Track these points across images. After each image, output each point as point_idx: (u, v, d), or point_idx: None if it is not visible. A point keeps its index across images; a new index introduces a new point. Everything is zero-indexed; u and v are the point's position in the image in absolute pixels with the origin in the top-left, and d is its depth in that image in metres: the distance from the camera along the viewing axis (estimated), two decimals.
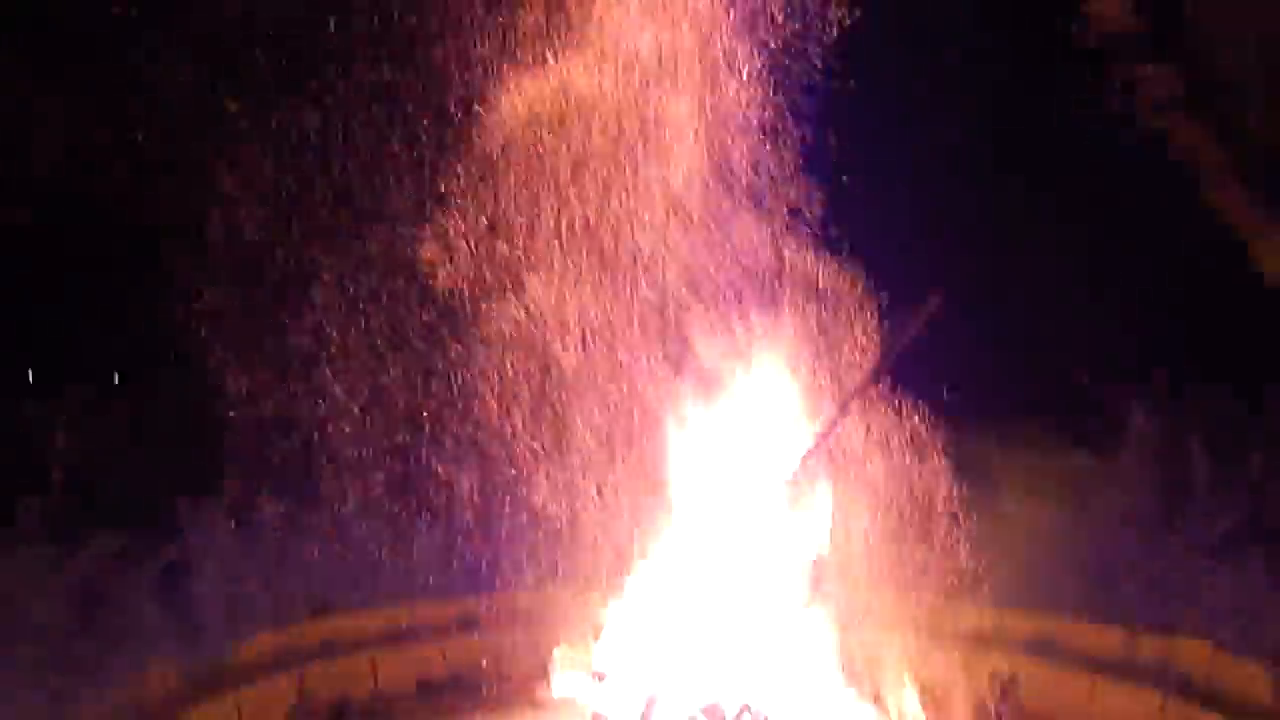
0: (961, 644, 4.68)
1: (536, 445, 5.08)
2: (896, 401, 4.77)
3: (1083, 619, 4.83)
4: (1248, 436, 5.91)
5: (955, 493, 4.79)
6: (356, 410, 5.85)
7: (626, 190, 4.71)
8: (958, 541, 4.77)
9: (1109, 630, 4.75)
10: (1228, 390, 6.07)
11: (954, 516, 4.81)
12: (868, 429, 4.69)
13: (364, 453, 5.87)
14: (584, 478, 4.77)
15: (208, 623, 4.74)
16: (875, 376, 4.51)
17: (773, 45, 4.72)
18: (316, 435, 5.87)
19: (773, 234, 4.71)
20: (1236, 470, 5.65)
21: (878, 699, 4.19)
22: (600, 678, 4.15)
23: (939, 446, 4.86)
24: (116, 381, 6.35)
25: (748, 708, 3.68)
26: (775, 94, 4.71)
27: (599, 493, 4.69)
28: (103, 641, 4.44)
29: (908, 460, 4.75)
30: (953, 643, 4.65)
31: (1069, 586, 4.84)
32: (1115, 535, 5.21)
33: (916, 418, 4.75)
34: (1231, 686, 4.24)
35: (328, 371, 5.80)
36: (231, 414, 5.95)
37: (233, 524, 5.46)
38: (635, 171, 4.71)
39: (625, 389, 4.77)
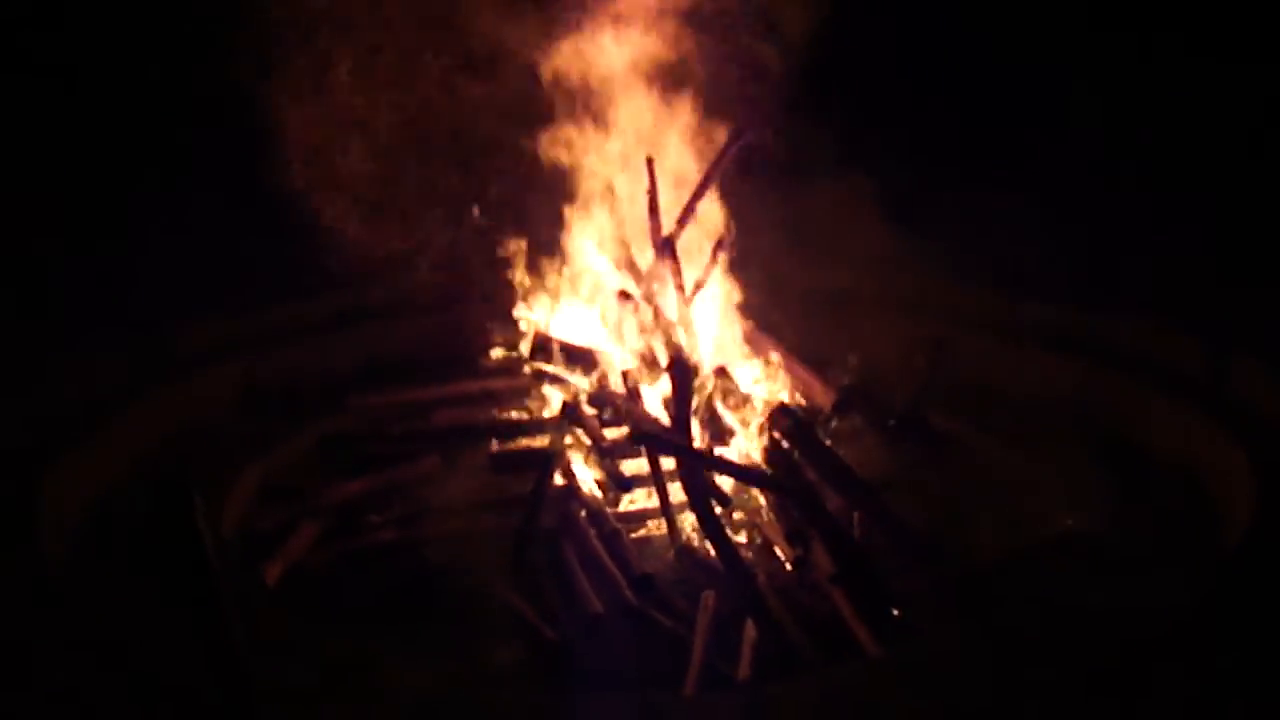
0: (897, 313, 4.77)
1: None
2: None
3: (1019, 293, 4.89)
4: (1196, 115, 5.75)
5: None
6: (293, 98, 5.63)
7: None
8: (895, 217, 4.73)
9: (1044, 305, 4.78)
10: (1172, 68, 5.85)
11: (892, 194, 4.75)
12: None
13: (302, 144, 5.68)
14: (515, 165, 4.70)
15: (153, 315, 4.75)
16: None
17: None
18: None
19: None
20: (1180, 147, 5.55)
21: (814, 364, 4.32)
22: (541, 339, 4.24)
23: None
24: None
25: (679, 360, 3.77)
26: None
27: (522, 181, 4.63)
28: (48, 337, 4.45)
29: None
30: (888, 311, 4.73)
31: (1008, 262, 4.86)
32: (1058, 213, 5.17)
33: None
34: (1161, 359, 4.34)
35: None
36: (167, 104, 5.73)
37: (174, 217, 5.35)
38: None
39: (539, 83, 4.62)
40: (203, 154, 5.75)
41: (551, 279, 4.43)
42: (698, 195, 4.36)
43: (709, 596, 3.22)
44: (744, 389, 3.95)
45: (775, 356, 4.27)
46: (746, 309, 4.39)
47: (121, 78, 5.74)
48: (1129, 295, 4.69)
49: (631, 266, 4.29)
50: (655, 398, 3.94)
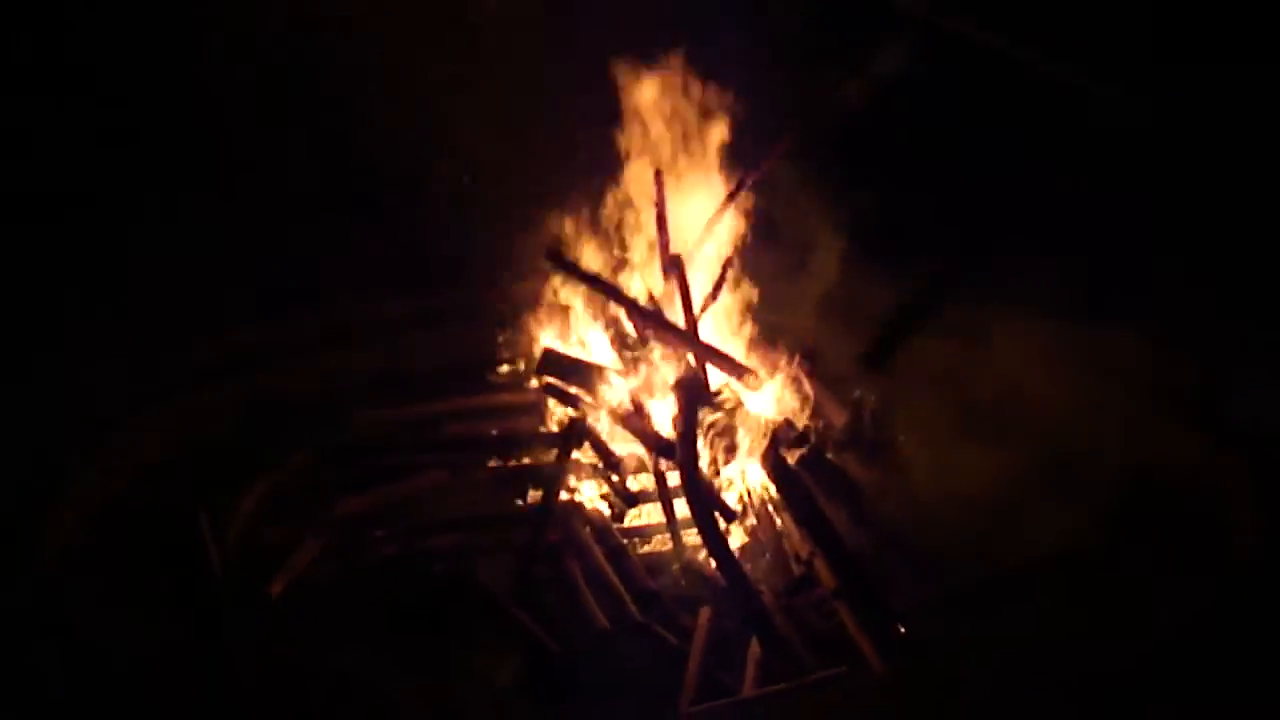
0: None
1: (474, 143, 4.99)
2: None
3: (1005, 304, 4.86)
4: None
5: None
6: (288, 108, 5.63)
7: None
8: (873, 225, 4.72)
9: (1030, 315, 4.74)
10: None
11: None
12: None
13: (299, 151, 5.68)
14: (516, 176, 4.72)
15: (151, 331, 4.75)
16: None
17: None
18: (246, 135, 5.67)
19: None
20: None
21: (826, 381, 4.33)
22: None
23: None
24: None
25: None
26: None
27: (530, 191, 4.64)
28: (50, 352, 4.45)
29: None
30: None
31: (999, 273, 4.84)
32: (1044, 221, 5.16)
33: None
34: (1158, 372, 4.32)
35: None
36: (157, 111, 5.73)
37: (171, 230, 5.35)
38: None
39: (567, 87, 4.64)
40: (202, 164, 5.77)
41: (559, 293, 4.43)
42: (713, 221, 4.36)
43: (705, 612, 3.23)
44: (751, 405, 3.95)
45: (786, 373, 4.27)
46: (757, 325, 4.39)
47: (125, 83, 5.75)
48: (1124, 308, 4.68)
49: (641, 283, 4.30)
50: (663, 415, 3.95)
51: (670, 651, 3.14)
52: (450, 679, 3.05)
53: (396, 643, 3.19)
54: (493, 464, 4.10)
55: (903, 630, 3.15)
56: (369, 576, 3.55)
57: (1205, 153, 5.42)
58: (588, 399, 4.08)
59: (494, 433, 4.31)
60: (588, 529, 3.66)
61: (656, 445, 3.75)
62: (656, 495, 3.74)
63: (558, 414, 4.23)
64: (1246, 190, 5.31)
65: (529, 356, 4.42)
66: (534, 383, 4.32)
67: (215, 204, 5.56)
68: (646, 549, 3.77)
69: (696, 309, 4.15)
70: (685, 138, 4.42)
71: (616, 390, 4.06)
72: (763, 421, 3.87)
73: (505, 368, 4.49)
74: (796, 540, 3.51)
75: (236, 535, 3.71)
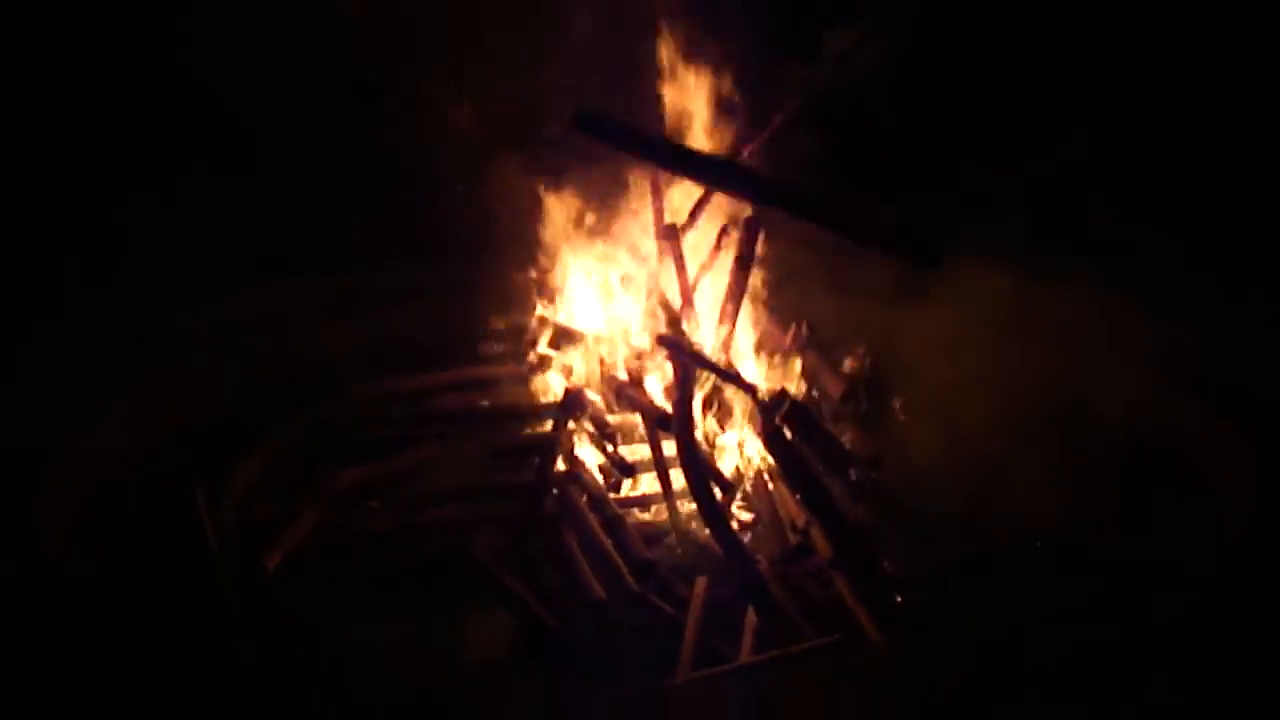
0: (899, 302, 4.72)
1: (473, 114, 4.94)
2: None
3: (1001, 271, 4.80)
4: None
5: None
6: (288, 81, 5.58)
7: None
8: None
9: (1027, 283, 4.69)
10: None
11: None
12: None
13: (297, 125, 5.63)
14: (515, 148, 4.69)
15: (145, 301, 4.72)
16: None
17: None
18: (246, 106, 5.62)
19: None
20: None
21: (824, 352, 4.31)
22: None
23: None
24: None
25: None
26: None
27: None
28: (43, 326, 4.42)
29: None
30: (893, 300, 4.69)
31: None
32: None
33: None
34: (1155, 344, 4.27)
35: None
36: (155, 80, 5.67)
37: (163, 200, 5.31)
38: None
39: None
40: (194, 134, 5.73)
41: (555, 264, 4.41)
42: (707, 196, 4.32)
43: (701, 582, 3.22)
44: (748, 375, 3.94)
45: (783, 343, 4.26)
46: (755, 296, 4.36)
47: (125, 83, 5.71)
48: (1121, 276, 4.65)
49: (636, 251, 4.28)
50: (658, 384, 3.94)
51: (667, 621, 3.14)
52: (445, 651, 3.04)
53: (391, 615, 3.19)
54: (488, 436, 4.08)
55: (900, 599, 3.14)
56: (364, 549, 3.55)
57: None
58: (584, 369, 4.08)
59: (489, 404, 4.30)
60: (584, 499, 3.65)
61: (653, 415, 3.74)
62: (653, 465, 3.73)
63: (554, 384, 4.22)
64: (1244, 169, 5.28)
65: (526, 327, 4.40)
66: (530, 354, 4.31)
67: (215, 203, 5.52)
68: (643, 519, 3.76)
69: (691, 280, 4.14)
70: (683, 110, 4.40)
71: (614, 360, 4.06)
72: (759, 391, 3.85)
73: (501, 339, 4.47)
74: (793, 509, 3.50)
75: (233, 508, 3.71)
